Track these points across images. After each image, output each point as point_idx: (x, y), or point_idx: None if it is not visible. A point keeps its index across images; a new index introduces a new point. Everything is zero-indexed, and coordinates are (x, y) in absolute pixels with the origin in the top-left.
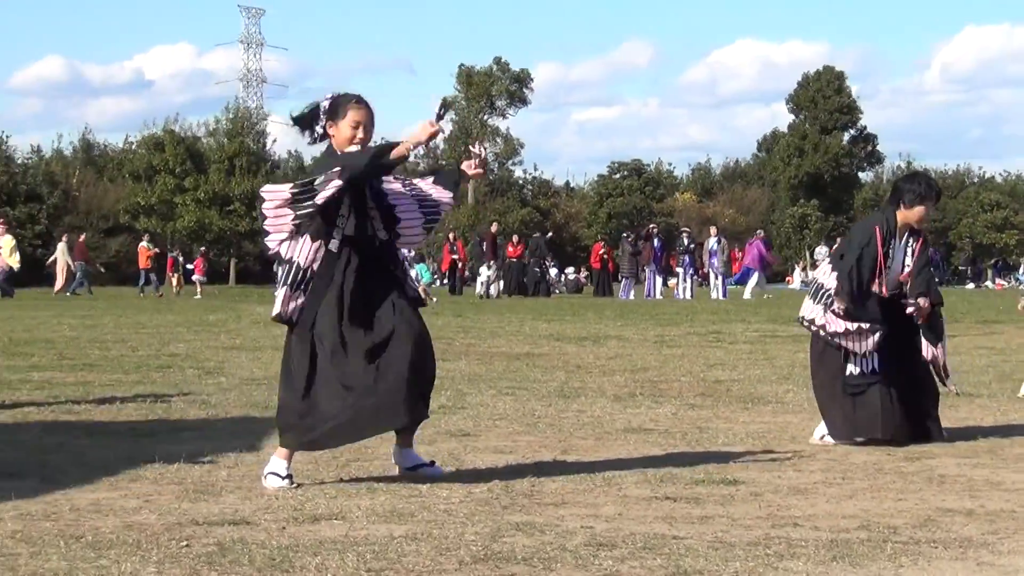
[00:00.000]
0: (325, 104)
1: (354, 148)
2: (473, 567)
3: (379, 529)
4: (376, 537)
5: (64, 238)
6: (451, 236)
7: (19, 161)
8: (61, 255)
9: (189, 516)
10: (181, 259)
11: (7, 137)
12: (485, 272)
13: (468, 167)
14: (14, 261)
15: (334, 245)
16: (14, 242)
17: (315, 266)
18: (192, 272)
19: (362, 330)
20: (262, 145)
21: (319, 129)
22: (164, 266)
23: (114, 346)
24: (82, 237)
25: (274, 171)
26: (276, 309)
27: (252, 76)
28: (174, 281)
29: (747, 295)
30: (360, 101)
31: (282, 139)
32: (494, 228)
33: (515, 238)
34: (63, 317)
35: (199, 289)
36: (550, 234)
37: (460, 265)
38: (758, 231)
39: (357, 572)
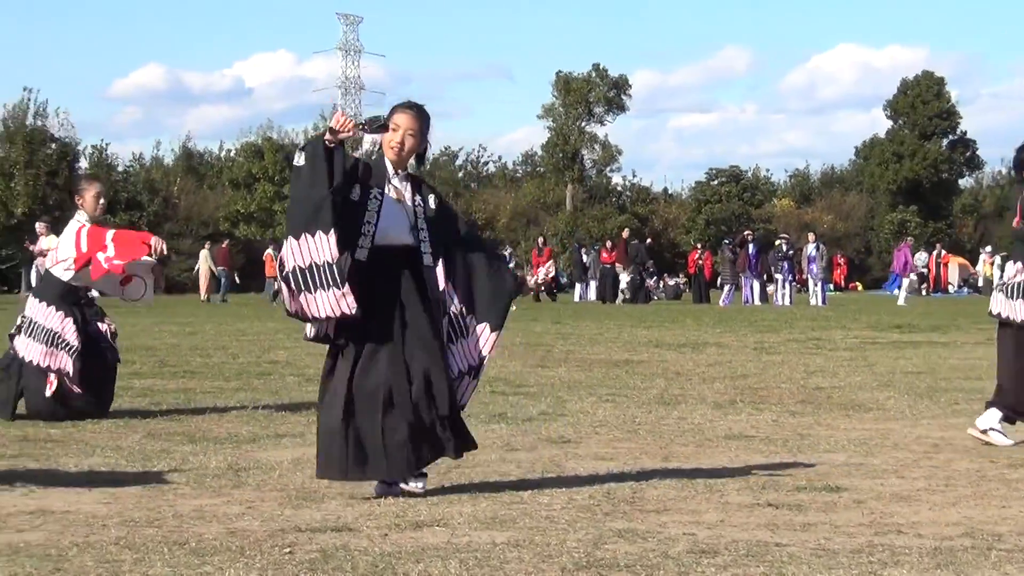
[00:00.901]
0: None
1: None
2: (575, 574)
3: (481, 536)
4: (478, 544)
5: (207, 245)
6: (540, 242)
7: (120, 169)
8: (204, 262)
9: (292, 523)
10: None
11: (107, 145)
12: (625, 279)
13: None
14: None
15: (362, 255)
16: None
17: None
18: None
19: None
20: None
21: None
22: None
23: (215, 353)
24: (225, 244)
25: None
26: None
27: (350, 83)
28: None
29: (901, 301)
30: (409, 106)
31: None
32: (626, 233)
33: (608, 244)
34: (164, 324)
35: None
36: (648, 240)
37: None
38: (907, 237)
39: None
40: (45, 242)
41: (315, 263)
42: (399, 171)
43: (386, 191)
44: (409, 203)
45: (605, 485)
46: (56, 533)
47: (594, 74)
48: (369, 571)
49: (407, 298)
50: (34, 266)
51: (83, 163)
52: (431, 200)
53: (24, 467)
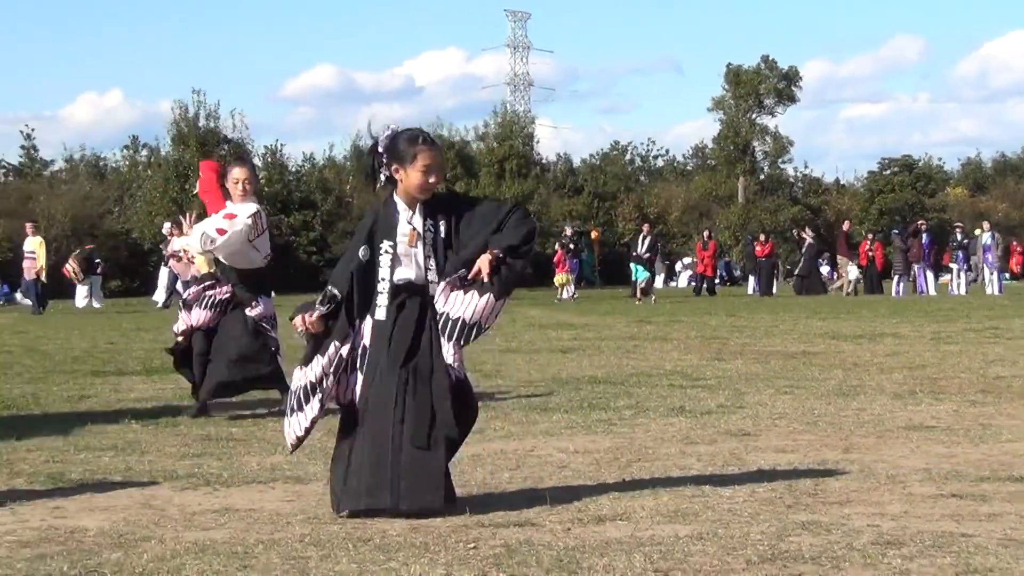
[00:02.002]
0: (384, 143)
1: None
2: (760, 567)
3: (664, 529)
4: (662, 537)
5: None
6: (705, 235)
7: (292, 169)
8: None
9: (475, 518)
10: None
11: (282, 146)
12: (854, 272)
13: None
14: (208, 267)
15: (380, 313)
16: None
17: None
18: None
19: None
20: (531, 148)
21: (383, 174)
22: None
23: None
24: None
25: (544, 174)
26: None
27: (519, 80)
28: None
29: None
30: (429, 142)
31: (549, 142)
32: (847, 226)
33: (762, 236)
34: None
35: None
36: (819, 232)
37: (703, 266)
38: None
39: (644, 572)
40: (177, 243)
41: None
42: (414, 209)
43: (397, 241)
44: (420, 244)
45: (787, 477)
46: (241, 531)
47: (764, 66)
48: (554, 565)
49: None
50: (166, 269)
51: (257, 162)
52: (442, 226)
53: (208, 465)
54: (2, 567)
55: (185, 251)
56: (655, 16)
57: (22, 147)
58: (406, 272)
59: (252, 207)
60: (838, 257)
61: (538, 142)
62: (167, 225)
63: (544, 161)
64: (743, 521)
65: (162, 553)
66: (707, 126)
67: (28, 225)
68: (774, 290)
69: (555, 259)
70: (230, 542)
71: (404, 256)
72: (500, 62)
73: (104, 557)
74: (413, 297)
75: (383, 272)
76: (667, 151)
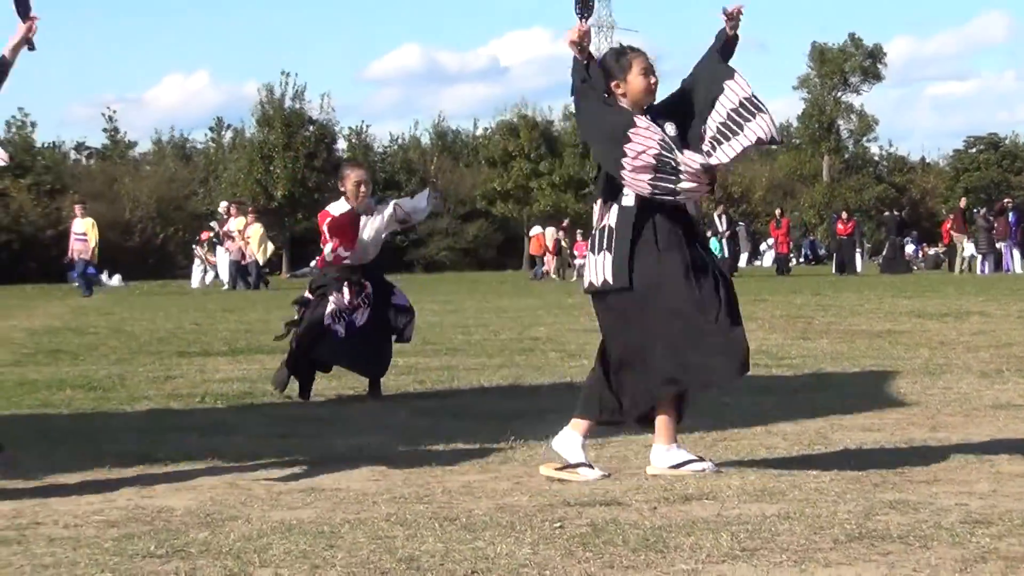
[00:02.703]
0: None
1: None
2: (848, 545)
3: (751, 508)
4: (748, 516)
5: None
6: (777, 213)
7: (377, 150)
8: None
9: (560, 497)
10: (563, 242)
11: (367, 127)
12: (970, 248)
13: None
14: (261, 253)
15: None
16: (263, 231)
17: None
18: (575, 256)
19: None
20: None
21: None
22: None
23: (477, 330)
24: (542, 230)
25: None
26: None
27: None
28: (554, 263)
29: None
30: (635, 49)
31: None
32: (963, 203)
33: (844, 215)
34: (425, 303)
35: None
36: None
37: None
38: None
39: (732, 551)
40: (233, 224)
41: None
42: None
43: None
44: None
45: (873, 456)
46: (328, 510)
47: (849, 43)
48: (640, 544)
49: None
50: (224, 253)
51: (341, 144)
52: (668, 128)
53: (294, 446)
54: (90, 547)
55: (240, 232)
56: None
57: (105, 129)
58: None
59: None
60: (953, 234)
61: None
62: (224, 204)
63: None
64: (830, 500)
65: (249, 532)
66: (792, 104)
67: (77, 206)
68: (857, 268)
69: None
70: (316, 521)
71: None
72: None
73: (191, 536)
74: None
75: None
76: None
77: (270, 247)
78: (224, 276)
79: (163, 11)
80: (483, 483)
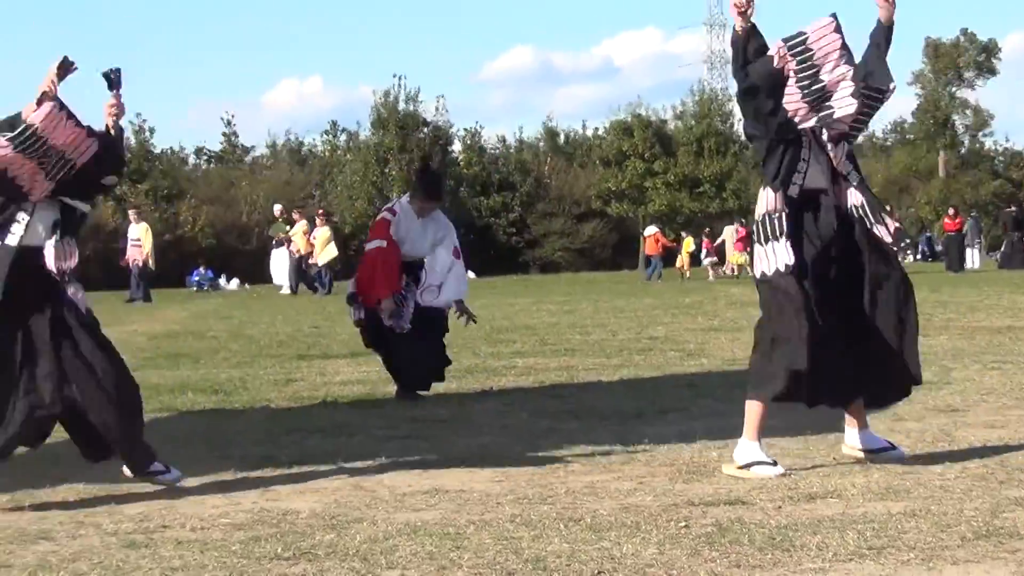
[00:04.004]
0: None
1: None
2: (975, 543)
3: (876, 506)
4: (874, 514)
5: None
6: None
7: (491, 151)
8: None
9: (684, 497)
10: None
11: (480, 128)
12: None
13: None
14: (325, 255)
15: (794, 191)
16: (330, 233)
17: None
18: (706, 254)
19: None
20: (730, 126)
21: None
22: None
23: (594, 331)
24: (654, 231)
25: (743, 151)
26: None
27: (716, 58)
28: (678, 263)
29: None
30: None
31: None
32: None
33: (951, 211)
34: (542, 304)
35: (711, 271)
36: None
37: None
38: None
39: (858, 550)
40: (297, 227)
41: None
42: None
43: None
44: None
45: (998, 453)
46: (452, 511)
47: (963, 38)
48: (766, 543)
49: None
50: (283, 253)
51: (456, 146)
52: None
53: (416, 447)
54: (217, 550)
55: (305, 233)
56: None
57: (223, 134)
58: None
59: None
60: None
61: (740, 121)
62: (278, 207)
63: (743, 139)
64: (955, 498)
65: (374, 534)
66: (906, 100)
67: (132, 212)
68: (966, 265)
69: (737, 237)
70: (441, 523)
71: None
72: (697, 41)
73: (317, 539)
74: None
75: (804, 153)
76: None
77: (333, 251)
78: (281, 280)
79: (278, 17)
80: (606, 483)
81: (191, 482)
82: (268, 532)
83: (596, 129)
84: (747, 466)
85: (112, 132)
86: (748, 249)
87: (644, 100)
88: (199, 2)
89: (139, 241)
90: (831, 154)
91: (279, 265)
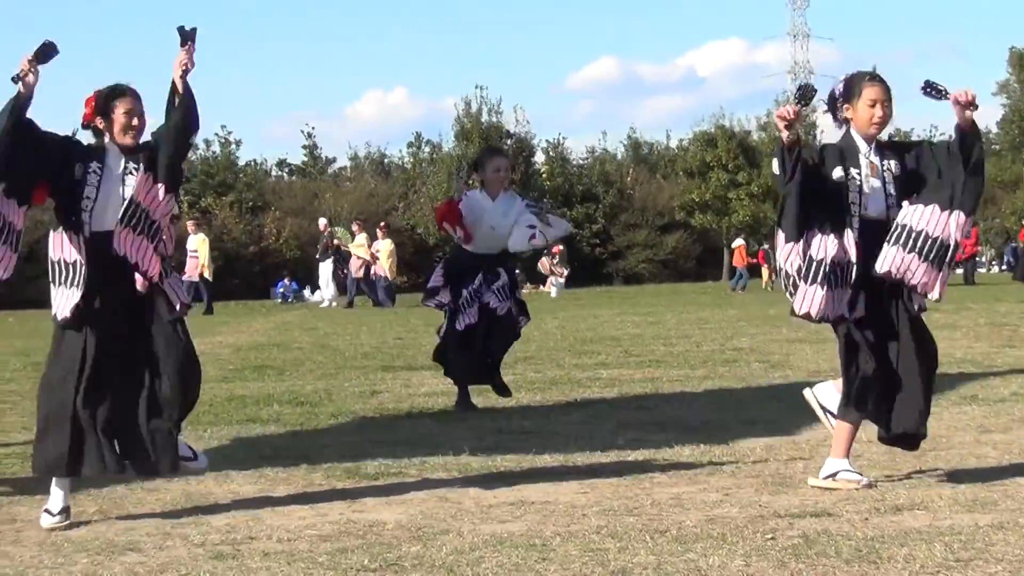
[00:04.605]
0: (839, 87)
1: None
2: None
3: (963, 518)
4: (961, 526)
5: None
6: None
7: (574, 162)
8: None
9: (771, 508)
10: (771, 253)
11: (563, 139)
12: None
13: None
14: (390, 269)
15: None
16: (392, 247)
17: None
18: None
19: None
20: (813, 137)
21: (842, 114)
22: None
23: (678, 342)
24: (740, 243)
25: None
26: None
27: (800, 68)
28: (765, 274)
29: None
30: (875, 78)
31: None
32: None
33: None
34: (626, 315)
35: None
36: None
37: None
38: None
39: (945, 562)
40: (357, 240)
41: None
42: (871, 144)
43: (861, 169)
44: (879, 176)
45: None
46: (538, 523)
47: None
48: (853, 555)
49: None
50: (330, 265)
51: (539, 157)
52: (893, 164)
53: (501, 458)
54: (304, 561)
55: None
56: (936, 1)
57: (304, 146)
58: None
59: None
60: None
61: (822, 132)
62: (323, 220)
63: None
64: None
65: (460, 546)
66: (991, 111)
67: (190, 223)
68: None
69: None
70: (527, 534)
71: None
72: (781, 51)
73: (403, 550)
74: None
75: (853, 198)
76: (951, 136)
77: (394, 265)
78: (327, 293)
79: (364, 28)
80: (692, 495)
81: (278, 493)
82: (354, 544)
83: (680, 140)
84: (833, 475)
85: (180, 89)
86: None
87: (728, 111)
88: (284, 15)
89: (196, 252)
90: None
91: (324, 278)
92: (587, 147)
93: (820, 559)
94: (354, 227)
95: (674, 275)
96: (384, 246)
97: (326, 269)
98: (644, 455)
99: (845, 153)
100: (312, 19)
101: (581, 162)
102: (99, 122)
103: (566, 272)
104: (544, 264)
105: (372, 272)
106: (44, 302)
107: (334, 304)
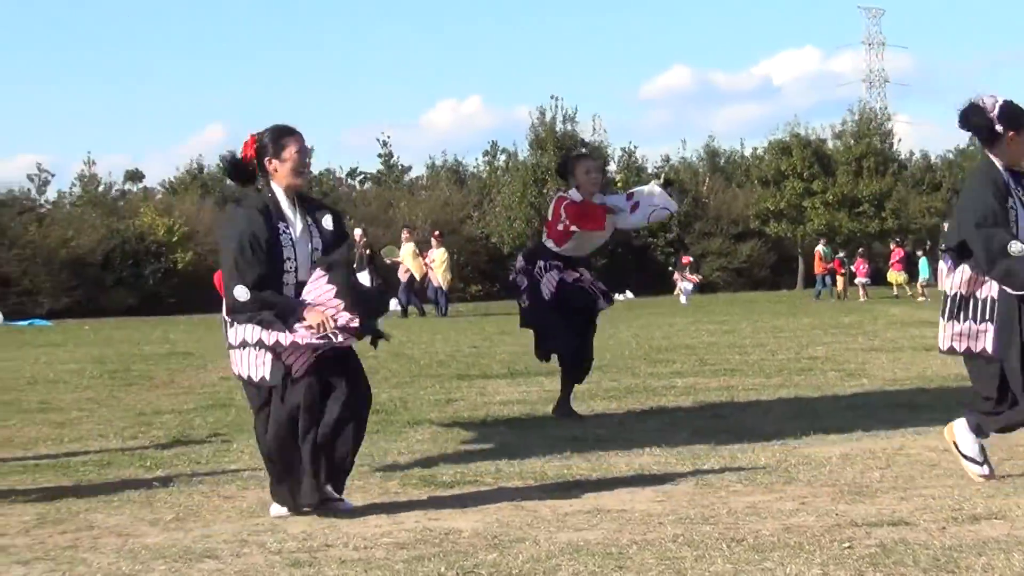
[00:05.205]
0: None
1: None
2: None
3: None
4: None
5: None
6: None
7: (649, 171)
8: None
9: (847, 517)
10: (846, 261)
11: (635, 148)
12: None
13: None
14: (445, 278)
15: None
16: (447, 256)
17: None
18: (854, 275)
19: None
20: (888, 145)
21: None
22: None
23: (753, 351)
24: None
25: (901, 171)
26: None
27: (875, 76)
28: (839, 284)
29: None
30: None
31: (907, 138)
32: None
33: None
34: (701, 324)
35: (862, 292)
36: None
37: None
38: None
39: None
40: (405, 249)
41: None
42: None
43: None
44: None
45: None
46: (614, 531)
47: None
48: (931, 565)
49: None
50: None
51: (612, 166)
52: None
53: (577, 467)
54: (381, 569)
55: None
56: (1014, 8)
57: (379, 155)
58: None
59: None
60: None
61: (899, 140)
62: (358, 231)
63: (902, 158)
64: None
65: (537, 554)
66: None
67: (433, 237)
68: None
69: (892, 257)
70: (603, 543)
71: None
72: (856, 59)
73: (480, 558)
74: None
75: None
76: None
77: (449, 273)
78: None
79: (438, 36)
80: (768, 504)
81: (354, 501)
82: (431, 551)
83: (754, 149)
84: (962, 454)
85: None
86: (902, 268)
87: (802, 119)
88: (356, 26)
89: (432, 262)
90: None
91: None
92: (662, 155)
93: (897, 568)
94: (403, 235)
95: (748, 284)
96: (438, 255)
97: (363, 280)
98: (720, 463)
99: (998, 183)
100: (384, 29)
101: (653, 170)
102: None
103: (697, 279)
104: (679, 277)
105: (426, 281)
106: (117, 311)
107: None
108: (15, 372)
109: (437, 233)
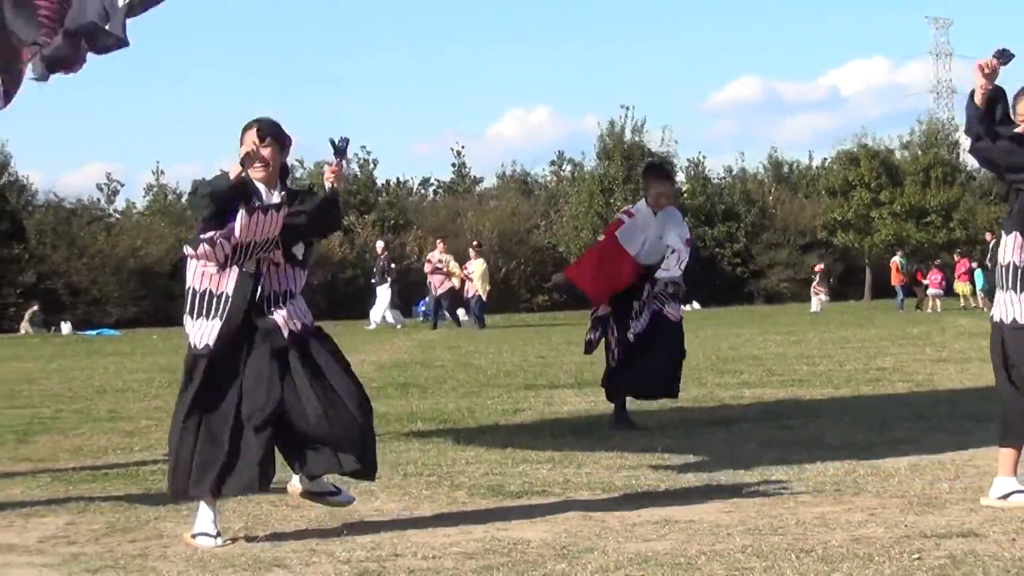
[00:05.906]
0: None
1: None
2: None
3: None
4: None
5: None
6: None
7: (715, 182)
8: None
9: (917, 528)
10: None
11: (704, 158)
12: None
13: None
14: (483, 289)
15: None
16: (485, 267)
17: None
18: (927, 286)
19: None
20: (956, 156)
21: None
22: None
23: (821, 361)
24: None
25: (969, 182)
26: None
27: (942, 87)
28: (918, 295)
29: None
30: None
31: None
32: None
33: None
34: (768, 334)
35: (934, 303)
36: None
37: None
38: None
39: None
40: (436, 256)
41: None
42: None
43: None
44: None
45: None
46: (682, 542)
47: None
48: None
49: None
50: (388, 289)
51: (680, 177)
52: None
53: (645, 477)
54: None
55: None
56: None
57: (452, 164)
58: None
59: None
60: None
61: (964, 150)
62: (380, 243)
63: (970, 168)
64: None
65: (605, 564)
66: None
67: (471, 248)
68: None
69: (957, 268)
70: (672, 553)
71: None
72: (924, 69)
73: (549, 568)
74: None
75: None
76: None
77: (487, 285)
78: (385, 314)
79: (506, 47)
80: (837, 514)
81: (422, 511)
82: (499, 561)
83: (822, 159)
84: (1006, 496)
85: (330, 195)
86: (969, 279)
87: (870, 130)
88: (424, 37)
89: (471, 272)
90: None
91: (380, 302)
92: (724, 166)
93: None
94: (472, 252)
95: (832, 294)
96: (477, 266)
97: (384, 293)
98: (788, 474)
99: None
100: (452, 39)
101: (718, 181)
102: None
103: (825, 290)
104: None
105: (464, 291)
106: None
107: (390, 322)
108: (84, 381)
109: (476, 243)
